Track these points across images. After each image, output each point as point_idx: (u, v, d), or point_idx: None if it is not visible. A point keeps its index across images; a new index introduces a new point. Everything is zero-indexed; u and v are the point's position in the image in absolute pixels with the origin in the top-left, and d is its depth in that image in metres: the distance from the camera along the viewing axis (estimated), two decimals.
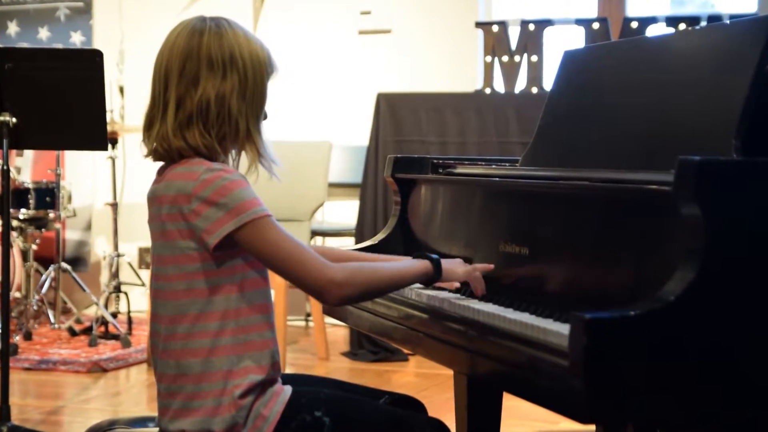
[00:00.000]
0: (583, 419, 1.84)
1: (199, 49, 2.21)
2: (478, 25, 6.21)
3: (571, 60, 2.89)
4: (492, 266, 2.47)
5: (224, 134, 2.23)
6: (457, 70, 7.08)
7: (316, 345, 6.10)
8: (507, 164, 3.01)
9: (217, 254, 2.16)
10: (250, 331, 2.20)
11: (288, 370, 5.49)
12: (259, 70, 2.25)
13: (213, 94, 2.20)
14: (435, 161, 2.99)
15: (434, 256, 2.40)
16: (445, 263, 2.41)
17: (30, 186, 6.41)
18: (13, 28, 8.06)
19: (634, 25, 5.71)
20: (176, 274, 2.20)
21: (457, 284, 2.49)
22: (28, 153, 7.45)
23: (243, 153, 2.28)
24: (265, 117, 2.29)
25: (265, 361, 2.21)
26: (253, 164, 2.27)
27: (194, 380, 2.19)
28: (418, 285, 2.49)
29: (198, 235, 2.15)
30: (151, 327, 2.30)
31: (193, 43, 2.21)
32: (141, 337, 6.38)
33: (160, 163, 2.29)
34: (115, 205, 6.66)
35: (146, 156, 2.28)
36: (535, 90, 5.85)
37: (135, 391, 5.33)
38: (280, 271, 2.19)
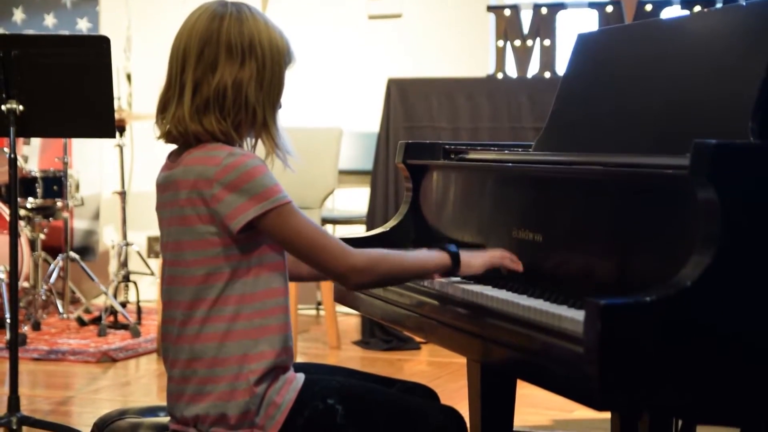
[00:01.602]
0: (598, 406, 1.83)
1: (218, 34, 2.19)
2: (490, 9, 6.20)
3: (584, 44, 2.87)
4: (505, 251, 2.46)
5: (240, 121, 2.22)
6: (468, 54, 7.05)
7: (328, 334, 6.08)
8: (520, 150, 2.98)
9: (237, 238, 2.16)
10: (265, 315, 2.20)
11: (299, 359, 5.46)
12: (278, 60, 2.24)
13: (230, 81, 2.19)
14: (447, 147, 2.97)
15: (453, 248, 2.39)
16: (464, 256, 2.41)
17: (37, 175, 6.41)
18: (19, 15, 8.05)
19: (649, 7, 5.67)
20: (195, 259, 2.19)
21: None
22: (35, 141, 7.45)
23: (260, 141, 2.27)
24: (280, 107, 2.28)
25: (278, 345, 2.21)
26: (270, 154, 2.25)
27: (208, 364, 2.18)
28: None
29: (219, 220, 2.14)
30: (164, 314, 2.29)
31: (213, 27, 2.20)
32: (150, 326, 6.36)
33: (170, 148, 2.27)
34: (123, 194, 6.64)
35: (159, 138, 2.27)
36: (547, 74, 5.83)
37: (145, 381, 5.32)
38: (302, 257, 2.22)
